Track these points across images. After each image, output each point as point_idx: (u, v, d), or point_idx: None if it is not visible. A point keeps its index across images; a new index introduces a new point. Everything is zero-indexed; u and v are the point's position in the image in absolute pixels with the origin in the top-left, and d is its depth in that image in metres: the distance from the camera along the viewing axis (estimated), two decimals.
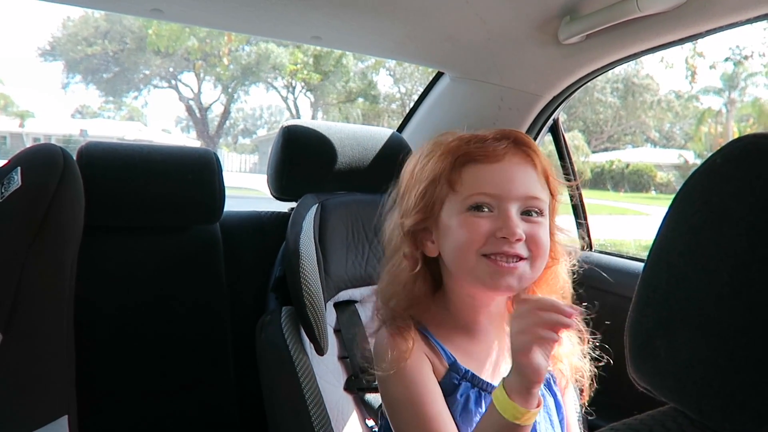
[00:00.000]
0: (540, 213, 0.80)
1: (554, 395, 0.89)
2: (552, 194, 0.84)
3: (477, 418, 0.79)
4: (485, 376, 0.84)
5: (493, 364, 0.86)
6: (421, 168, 0.85)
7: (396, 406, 0.81)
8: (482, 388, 0.82)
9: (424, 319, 0.85)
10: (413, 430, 0.78)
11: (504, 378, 0.73)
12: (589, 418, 0.99)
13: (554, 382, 0.90)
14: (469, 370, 0.82)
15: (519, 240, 0.76)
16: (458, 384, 0.81)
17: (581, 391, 0.91)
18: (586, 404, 0.93)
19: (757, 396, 0.38)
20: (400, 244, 0.86)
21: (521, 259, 0.78)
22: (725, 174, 0.43)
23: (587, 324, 0.88)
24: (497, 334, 0.87)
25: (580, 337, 0.88)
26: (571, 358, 0.88)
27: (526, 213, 0.79)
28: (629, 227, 9.56)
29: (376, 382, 0.87)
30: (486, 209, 0.78)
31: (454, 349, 0.83)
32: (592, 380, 0.89)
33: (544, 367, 0.70)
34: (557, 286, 0.86)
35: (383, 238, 0.90)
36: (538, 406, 0.72)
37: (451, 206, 0.81)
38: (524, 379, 0.70)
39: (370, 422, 1.14)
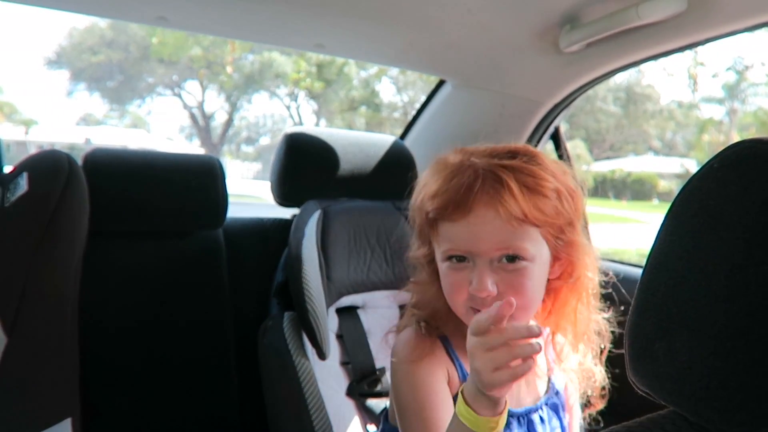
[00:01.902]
0: (524, 258, 0.76)
1: (558, 413, 0.88)
2: (538, 225, 0.76)
3: None
4: None
5: None
6: (414, 200, 0.84)
7: (403, 400, 0.81)
8: None
9: (446, 328, 0.85)
10: (416, 425, 0.78)
11: (463, 390, 0.69)
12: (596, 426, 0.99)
13: (560, 395, 0.90)
14: None
15: (488, 295, 0.74)
16: None
17: (589, 401, 0.90)
18: (594, 414, 0.92)
19: (754, 398, 0.38)
20: (419, 267, 0.87)
21: None
22: (722, 178, 0.43)
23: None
24: None
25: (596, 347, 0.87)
26: (584, 368, 0.87)
27: (509, 259, 0.75)
28: (631, 236, 9.54)
29: (390, 377, 0.86)
30: (463, 260, 0.77)
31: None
32: (602, 391, 0.88)
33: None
34: (570, 305, 0.84)
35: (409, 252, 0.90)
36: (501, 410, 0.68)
37: (437, 250, 0.81)
38: (491, 400, 0.66)
39: (372, 427, 1.14)
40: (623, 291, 1.19)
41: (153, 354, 1.30)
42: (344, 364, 1.21)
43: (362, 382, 1.18)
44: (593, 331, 0.86)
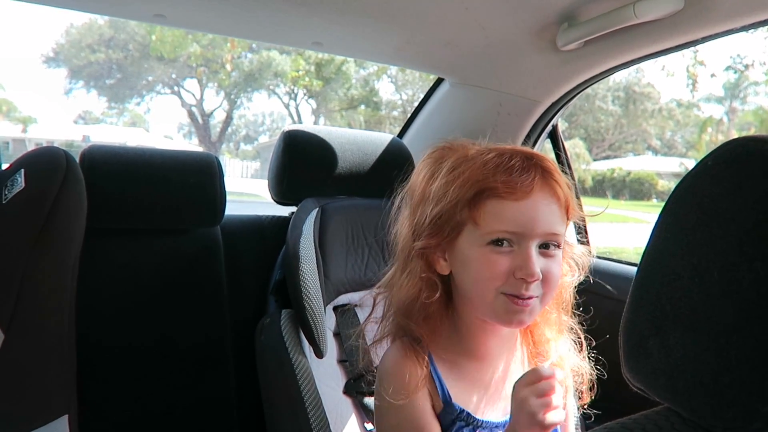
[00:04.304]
0: (557, 246, 0.78)
1: None
2: (570, 216, 0.80)
3: None
4: (486, 404, 0.82)
5: (497, 390, 0.84)
6: (439, 186, 0.79)
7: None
8: (477, 425, 0.81)
9: (431, 340, 0.82)
10: None
11: None
12: (587, 421, 1.00)
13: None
14: (464, 410, 0.80)
15: (536, 280, 0.74)
16: (453, 422, 0.80)
17: (581, 394, 0.91)
18: (586, 407, 0.93)
19: (746, 393, 0.38)
20: (411, 261, 0.83)
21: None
22: (716, 176, 0.43)
23: (586, 329, 0.88)
24: (506, 356, 0.86)
25: (577, 342, 0.88)
26: (571, 362, 0.87)
27: (544, 246, 0.77)
28: (629, 235, 9.54)
29: (375, 402, 0.86)
30: (506, 244, 0.75)
31: (455, 379, 0.82)
32: (591, 384, 0.88)
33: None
34: (562, 298, 0.86)
35: (393, 244, 0.87)
36: None
37: (470, 236, 0.77)
38: None
39: (369, 426, 1.14)
40: (610, 289, 1.20)
41: (150, 351, 1.30)
42: (341, 362, 1.21)
43: (359, 380, 1.18)
44: (576, 328, 0.88)
